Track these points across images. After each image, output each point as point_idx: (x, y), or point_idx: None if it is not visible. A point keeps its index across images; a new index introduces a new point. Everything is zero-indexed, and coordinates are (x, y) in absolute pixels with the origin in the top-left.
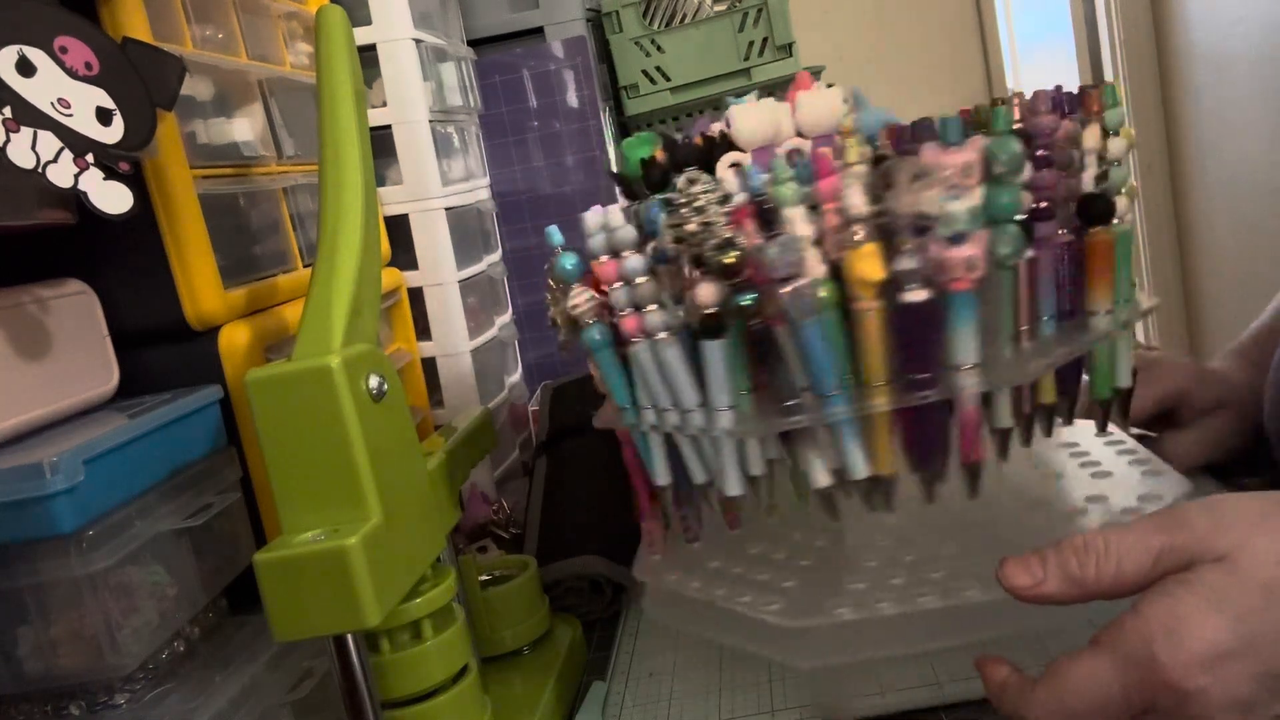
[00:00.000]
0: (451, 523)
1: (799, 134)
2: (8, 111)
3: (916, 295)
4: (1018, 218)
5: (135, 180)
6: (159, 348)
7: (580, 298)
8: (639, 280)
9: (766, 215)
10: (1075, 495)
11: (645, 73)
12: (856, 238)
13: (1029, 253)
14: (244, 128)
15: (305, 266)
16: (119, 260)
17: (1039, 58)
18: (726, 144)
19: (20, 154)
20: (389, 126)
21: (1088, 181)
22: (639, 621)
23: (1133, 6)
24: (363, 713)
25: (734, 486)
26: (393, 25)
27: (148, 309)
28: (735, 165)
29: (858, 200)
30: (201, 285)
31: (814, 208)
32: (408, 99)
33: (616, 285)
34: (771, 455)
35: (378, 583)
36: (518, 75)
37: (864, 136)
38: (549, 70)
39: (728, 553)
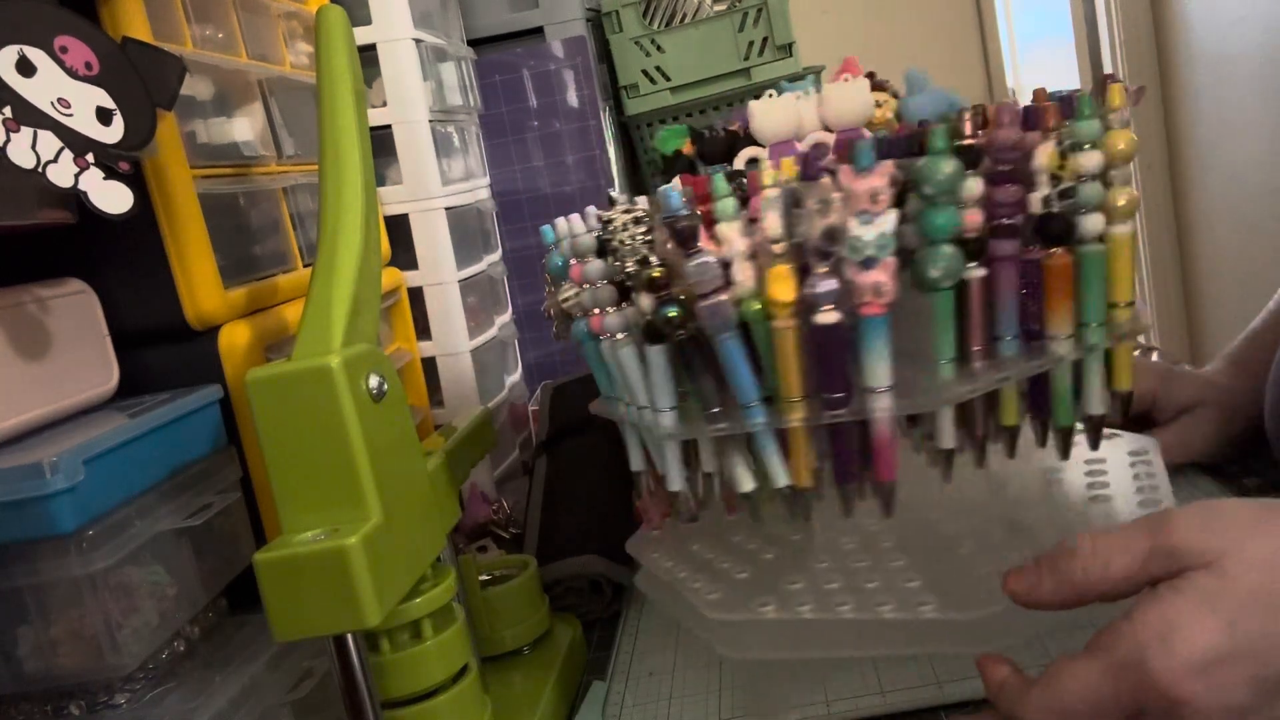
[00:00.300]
0: (451, 523)
1: (826, 128)
2: (8, 111)
3: (826, 317)
4: (969, 236)
5: (135, 180)
6: (159, 348)
7: (569, 292)
8: (599, 284)
9: (682, 234)
10: (1073, 499)
11: (645, 73)
12: (773, 258)
13: (979, 272)
14: (244, 128)
15: (305, 266)
16: (119, 260)
17: (1039, 58)
18: (750, 138)
19: (20, 154)
20: (389, 126)
21: (1034, 202)
22: (639, 621)
23: (1133, 6)
24: (363, 713)
25: (675, 483)
26: (393, 25)
27: (148, 309)
28: (752, 160)
29: (773, 222)
30: (201, 285)
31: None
32: (408, 99)
33: (583, 288)
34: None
35: (378, 583)
36: (518, 75)
37: (867, 144)
38: (549, 70)
39: (715, 538)
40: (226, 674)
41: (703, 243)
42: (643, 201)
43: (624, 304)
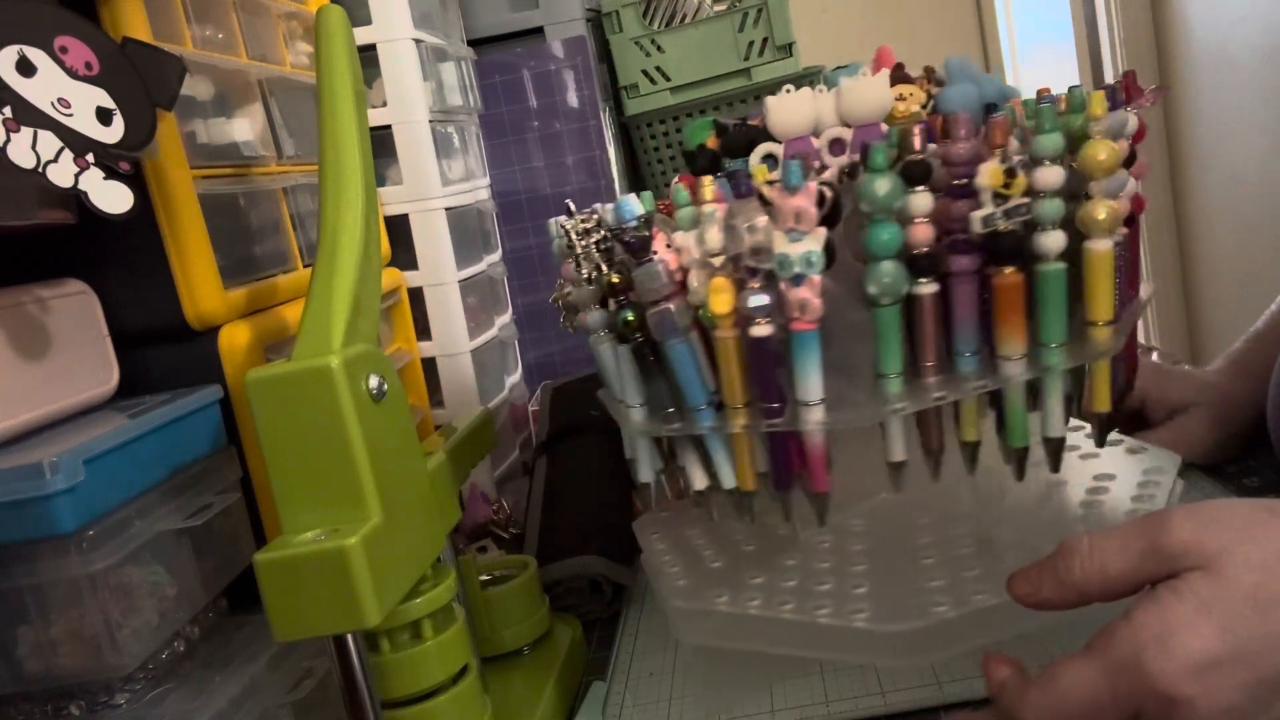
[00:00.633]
0: (451, 523)
1: (845, 123)
2: (8, 111)
3: (760, 330)
4: (919, 252)
5: (135, 180)
6: (159, 348)
7: (564, 290)
8: (581, 284)
9: (632, 245)
10: (1072, 503)
11: (645, 73)
12: (712, 271)
13: (930, 288)
14: (244, 128)
15: (305, 266)
16: (119, 260)
17: (1039, 58)
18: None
19: (20, 154)
20: (389, 126)
21: (975, 220)
22: (639, 621)
23: (1133, 6)
24: (363, 713)
25: (644, 474)
26: (393, 25)
27: (148, 309)
28: (769, 155)
29: (712, 236)
30: (201, 285)
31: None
32: (408, 99)
33: (570, 287)
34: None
35: (378, 583)
36: (518, 75)
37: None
38: (549, 70)
39: (712, 526)
40: (226, 674)
41: (662, 250)
42: (604, 210)
43: (608, 303)
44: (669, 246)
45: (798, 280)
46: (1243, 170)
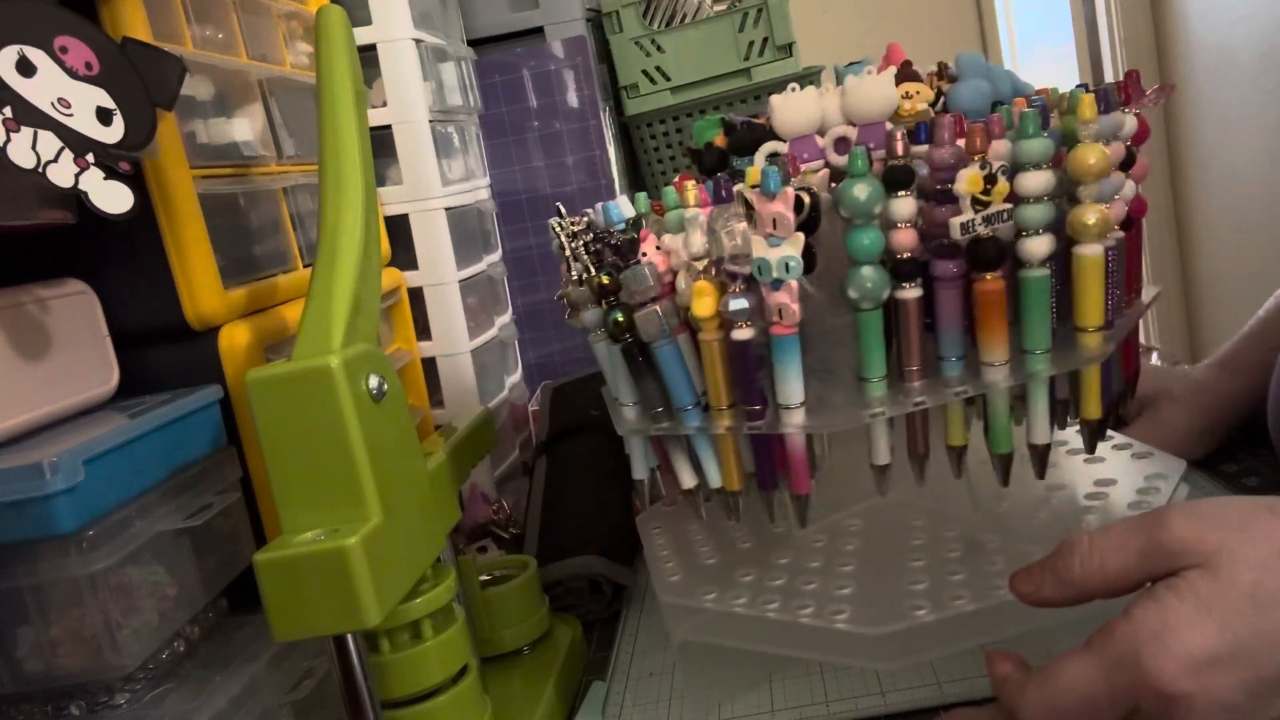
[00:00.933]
0: (451, 523)
1: (850, 122)
2: (8, 111)
3: (741, 334)
4: (902, 257)
5: (135, 180)
6: (159, 348)
7: (565, 288)
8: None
9: (619, 248)
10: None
11: (645, 73)
12: (695, 274)
13: (913, 292)
14: (244, 128)
15: (305, 266)
16: (119, 260)
17: (1039, 58)
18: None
19: (20, 154)
20: (389, 126)
21: (954, 227)
22: (639, 621)
23: (1133, 6)
24: (363, 713)
25: (638, 472)
26: (393, 25)
27: (148, 309)
28: (773, 154)
29: (695, 240)
30: (201, 285)
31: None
32: (408, 99)
33: (568, 286)
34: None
35: (378, 583)
36: (518, 75)
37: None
38: (549, 70)
39: (711, 526)
40: (226, 674)
41: (652, 252)
42: (595, 212)
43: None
44: (659, 248)
45: (776, 285)
46: (1243, 170)
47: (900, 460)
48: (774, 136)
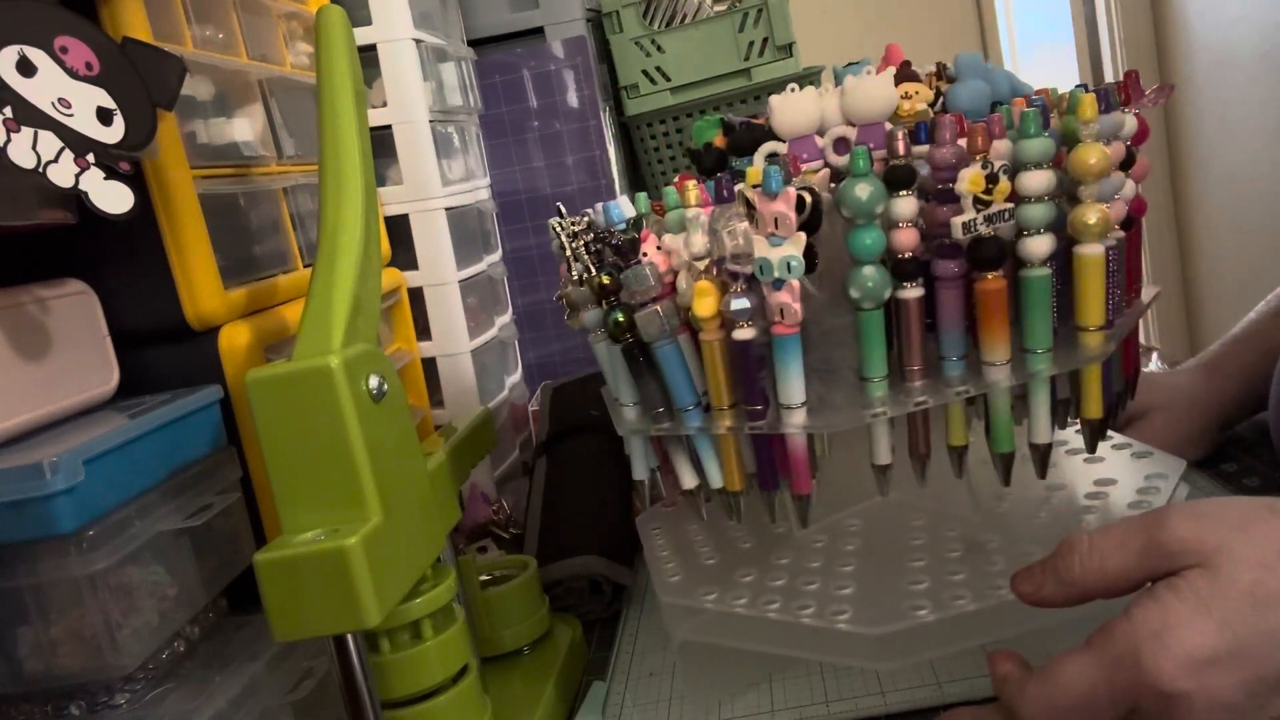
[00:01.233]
0: (451, 523)
1: (849, 122)
2: (8, 111)
3: (742, 334)
4: (904, 256)
5: (135, 180)
6: (159, 348)
7: (564, 289)
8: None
9: (620, 248)
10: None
11: (645, 73)
12: (697, 274)
13: (914, 292)
14: (244, 128)
15: (305, 266)
16: (119, 260)
17: (1039, 58)
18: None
19: (21, 154)
20: (389, 126)
21: (956, 226)
22: (639, 621)
23: (1133, 6)
24: (363, 713)
25: (639, 472)
26: (393, 25)
27: (148, 309)
28: (772, 155)
29: (696, 240)
30: (201, 285)
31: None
32: (408, 99)
33: (568, 286)
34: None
35: (378, 583)
36: (518, 75)
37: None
38: (549, 70)
39: (711, 526)
40: (226, 674)
41: (652, 252)
42: (595, 212)
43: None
44: (659, 249)
45: (778, 284)
46: (1243, 170)
47: (901, 460)
48: (773, 137)
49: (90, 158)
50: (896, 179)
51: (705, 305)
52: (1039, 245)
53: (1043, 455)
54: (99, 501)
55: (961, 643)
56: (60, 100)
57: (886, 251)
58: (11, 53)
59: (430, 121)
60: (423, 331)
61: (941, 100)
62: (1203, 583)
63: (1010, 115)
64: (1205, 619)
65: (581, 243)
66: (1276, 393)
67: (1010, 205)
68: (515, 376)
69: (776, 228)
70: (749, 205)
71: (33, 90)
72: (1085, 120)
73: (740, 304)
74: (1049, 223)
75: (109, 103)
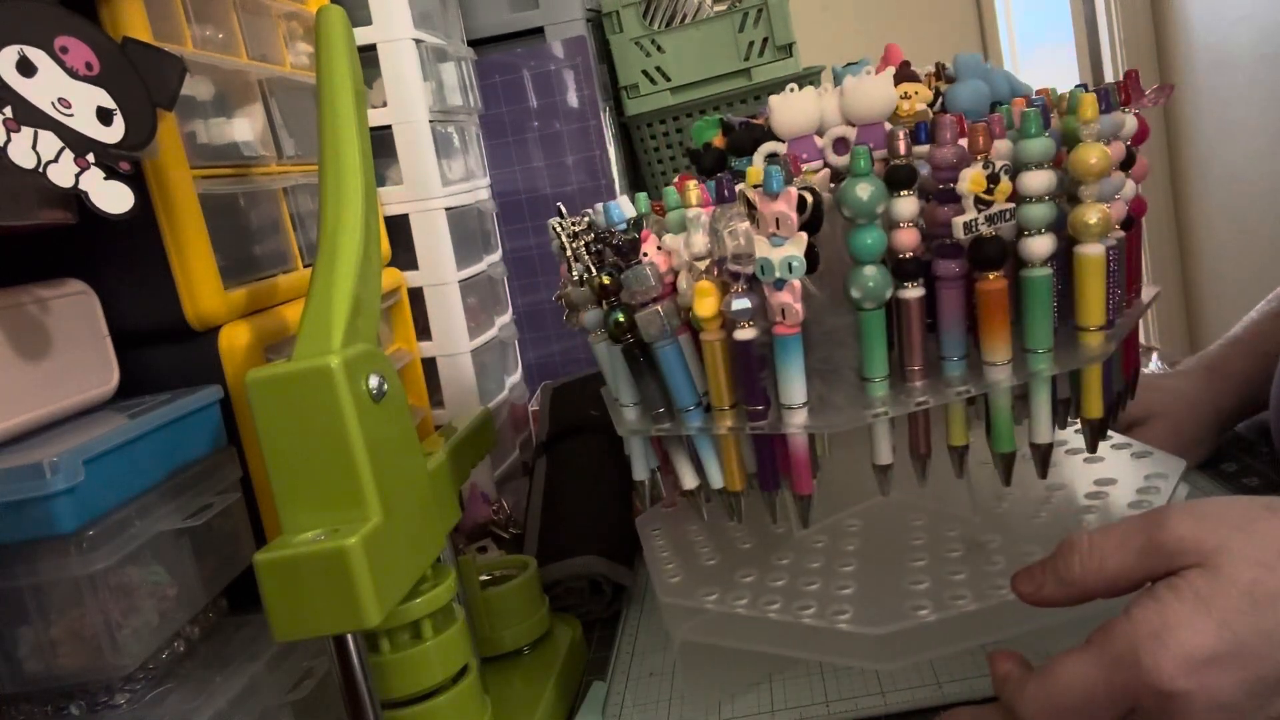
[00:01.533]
0: (451, 523)
1: (849, 122)
2: (8, 111)
3: (743, 334)
4: (905, 256)
5: (135, 180)
6: (159, 348)
7: (564, 289)
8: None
9: (620, 248)
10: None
11: (645, 73)
12: (698, 274)
13: (915, 292)
14: (244, 128)
15: (305, 266)
16: (119, 260)
17: (1039, 58)
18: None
19: (21, 154)
20: (389, 126)
21: (957, 226)
22: (639, 621)
23: (1133, 6)
24: (363, 713)
25: (639, 472)
26: (393, 25)
27: (148, 309)
28: (772, 155)
29: (697, 240)
30: (201, 285)
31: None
32: (408, 99)
33: (570, 285)
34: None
35: (378, 583)
36: (518, 75)
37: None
38: (549, 70)
39: (711, 526)
40: (226, 674)
41: (653, 253)
42: (596, 212)
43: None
44: (660, 249)
45: (779, 284)
46: (1243, 170)
47: (901, 460)
48: (773, 137)
49: (90, 158)
50: (897, 179)
51: (706, 305)
52: (1040, 245)
53: (1043, 455)
54: (99, 501)
55: (962, 643)
56: (60, 100)
57: (887, 251)
58: (11, 53)
59: (430, 121)
60: (423, 331)
61: (941, 100)
62: (1202, 582)
63: (1010, 115)
64: (1205, 619)
65: (582, 243)
66: (1277, 393)
67: (1011, 205)
68: (515, 376)
69: (778, 228)
70: (750, 205)
71: (33, 90)
72: (1085, 120)
73: (741, 304)
74: (1050, 223)
75: (109, 103)
